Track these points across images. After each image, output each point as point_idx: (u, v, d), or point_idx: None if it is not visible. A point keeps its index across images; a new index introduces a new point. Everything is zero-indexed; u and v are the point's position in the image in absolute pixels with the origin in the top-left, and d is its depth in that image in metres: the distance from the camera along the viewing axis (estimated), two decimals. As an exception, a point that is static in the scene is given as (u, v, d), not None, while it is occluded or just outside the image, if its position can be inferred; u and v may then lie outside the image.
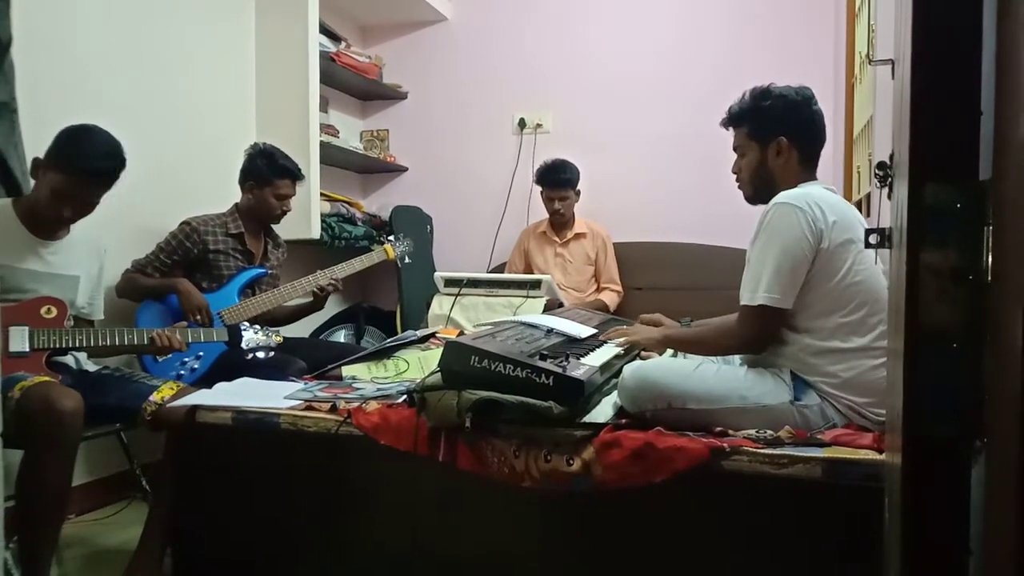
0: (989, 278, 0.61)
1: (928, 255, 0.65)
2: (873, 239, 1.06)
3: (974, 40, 0.63)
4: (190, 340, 2.14)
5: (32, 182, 1.99)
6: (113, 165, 1.97)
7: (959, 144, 0.63)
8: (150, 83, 2.77)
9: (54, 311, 1.96)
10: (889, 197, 1.06)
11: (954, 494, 0.72)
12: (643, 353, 2.07)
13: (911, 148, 0.66)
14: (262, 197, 2.65)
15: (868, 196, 2.38)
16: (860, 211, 2.13)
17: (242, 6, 3.28)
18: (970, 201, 0.62)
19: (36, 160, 1.96)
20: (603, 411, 1.67)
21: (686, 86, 3.68)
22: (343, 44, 3.79)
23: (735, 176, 1.87)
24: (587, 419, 1.60)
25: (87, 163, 1.93)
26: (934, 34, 0.65)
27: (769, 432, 1.52)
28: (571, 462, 1.53)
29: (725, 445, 1.46)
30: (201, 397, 1.95)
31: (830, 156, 1.89)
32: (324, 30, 3.54)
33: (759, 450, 1.45)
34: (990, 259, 0.62)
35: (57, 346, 1.95)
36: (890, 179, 1.02)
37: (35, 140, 1.99)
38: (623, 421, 1.61)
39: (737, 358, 1.83)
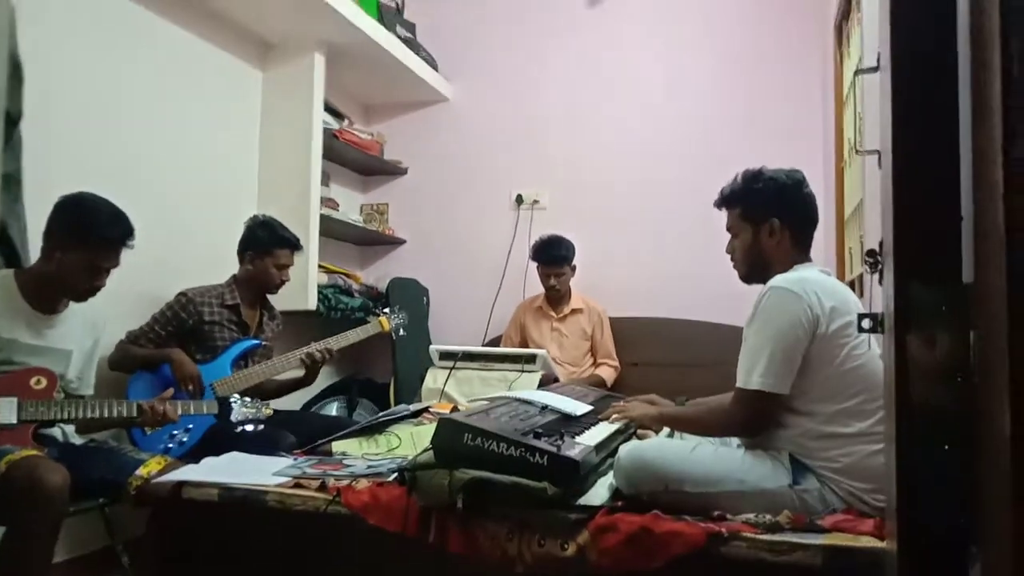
0: (977, 379, 0.62)
1: (916, 352, 0.65)
2: (866, 324, 1.07)
3: (952, 147, 0.65)
4: (180, 412, 2.11)
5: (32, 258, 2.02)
6: (126, 225, 2.05)
7: (942, 247, 0.64)
8: (154, 157, 2.82)
9: (44, 382, 1.94)
10: (880, 283, 1.07)
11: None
12: (639, 432, 2.05)
13: (895, 247, 0.68)
14: (262, 266, 2.67)
15: (860, 277, 2.41)
16: (853, 291, 2.15)
17: (250, 84, 3.38)
18: (954, 304, 0.63)
19: (50, 239, 2.00)
20: (598, 492, 1.64)
21: (680, 166, 3.77)
22: (346, 122, 3.89)
23: (729, 256, 1.90)
24: (582, 500, 1.57)
25: (106, 233, 2.01)
26: (915, 139, 0.68)
27: (768, 516, 1.49)
28: (566, 547, 1.49)
29: (723, 530, 1.43)
30: (188, 472, 1.91)
31: (822, 237, 1.92)
32: (328, 108, 3.64)
33: (758, 536, 1.42)
34: (977, 362, 0.62)
35: (46, 418, 1.92)
36: (880, 266, 1.03)
37: (42, 211, 2.03)
38: (619, 503, 1.58)
39: (735, 440, 1.81)
